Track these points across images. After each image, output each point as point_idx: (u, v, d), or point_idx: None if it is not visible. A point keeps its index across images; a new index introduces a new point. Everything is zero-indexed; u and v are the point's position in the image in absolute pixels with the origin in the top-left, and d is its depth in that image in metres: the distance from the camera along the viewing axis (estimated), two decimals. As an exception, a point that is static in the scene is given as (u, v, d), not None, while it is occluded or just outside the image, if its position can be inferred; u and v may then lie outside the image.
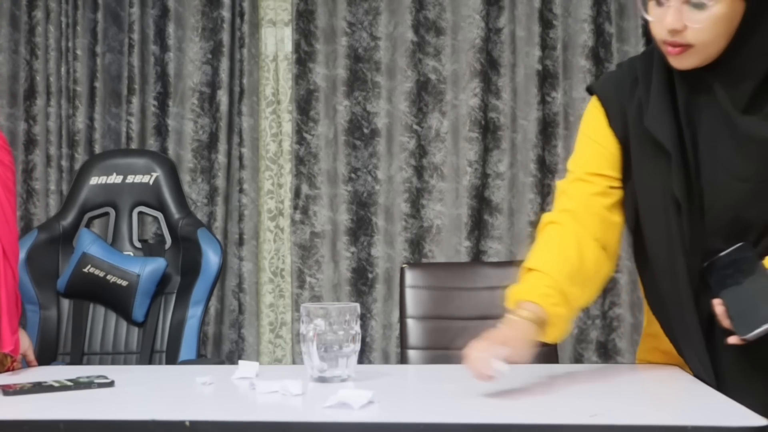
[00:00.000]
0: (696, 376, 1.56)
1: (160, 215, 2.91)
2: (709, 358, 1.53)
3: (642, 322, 2.22)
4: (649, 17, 1.52)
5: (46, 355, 2.76)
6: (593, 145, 1.67)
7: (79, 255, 2.79)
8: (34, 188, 3.54)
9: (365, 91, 3.46)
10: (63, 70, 3.52)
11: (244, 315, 3.49)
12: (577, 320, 3.35)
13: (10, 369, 1.91)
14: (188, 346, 2.72)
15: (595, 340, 3.36)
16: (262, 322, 3.59)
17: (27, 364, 2.00)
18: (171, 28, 3.51)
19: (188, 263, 2.82)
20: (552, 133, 3.37)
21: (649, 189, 1.58)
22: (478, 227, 3.39)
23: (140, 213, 2.94)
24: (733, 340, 1.47)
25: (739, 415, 1.28)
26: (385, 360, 3.42)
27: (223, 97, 3.47)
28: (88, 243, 2.81)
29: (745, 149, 1.50)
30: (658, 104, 1.55)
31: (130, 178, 2.92)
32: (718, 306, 1.50)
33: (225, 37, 3.48)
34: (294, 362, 3.48)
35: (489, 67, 3.40)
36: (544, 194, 3.34)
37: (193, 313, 2.75)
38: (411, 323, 2.71)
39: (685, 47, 1.49)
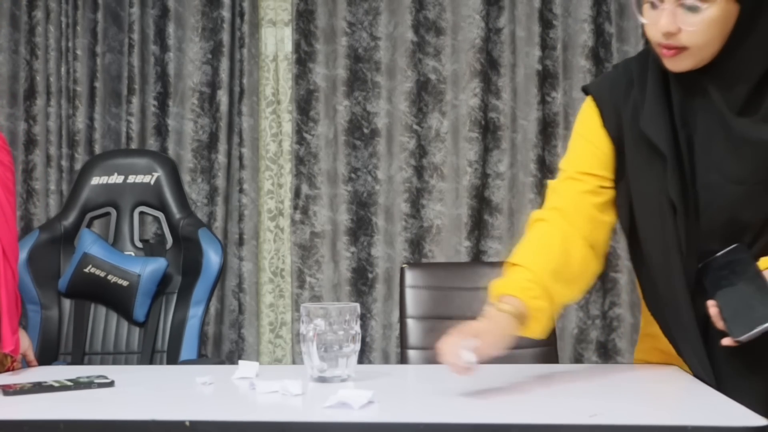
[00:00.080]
0: (695, 375, 1.56)
1: (161, 215, 2.91)
2: (707, 358, 1.53)
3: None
4: (643, 20, 1.53)
5: (47, 355, 2.76)
6: (586, 145, 1.67)
7: (80, 255, 2.79)
8: (34, 188, 3.54)
9: (365, 91, 3.46)
10: (63, 70, 3.52)
11: (244, 315, 3.49)
12: (577, 320, 3.35)
13: (10, 369, 1.91)
14: (189, 346, 2.73)
15: (595, 340, 3.36)
16: (262, 322, 3.59)
17: (27, 364, 2.00)
18: (171, 28, 3.51)
19: (189, 263, 2.83)
20: (552, 133, 3.37)
21: (644, 191, 1.59)
22: (478, 227, 3.39)
23: (141, 213, 2.94)
24: (726, 341, 1.48)
25: (739, 415, 1.28)
26: (385, 360, 3.42)
27: (223, 97, 3.47)
28: (89, 243, 2.81)
29: (739, 151, 1.51)
30: (654, 106, 1.55)
31: (131, 178, 2.92)
32: (712, 307, 1.50)
33: (225, 37, 3.48)
34: (294, 362, 3.48)
35: (489, 67, 3.40)
36: (544, 194, 3.33)
37: (194, 313, 2.76)
38: (411, 323, 2.71)
39: (680, 49, 1.49)
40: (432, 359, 2.59)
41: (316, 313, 1.62)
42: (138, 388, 1.63)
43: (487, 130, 3.41)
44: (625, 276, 3.32)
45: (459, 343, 1.45)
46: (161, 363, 2.78)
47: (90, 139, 3.51)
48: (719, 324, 1.49)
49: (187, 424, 1.29)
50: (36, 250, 2.82)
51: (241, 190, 3.50)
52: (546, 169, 3.36)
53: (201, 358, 2.84)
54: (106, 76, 3.53)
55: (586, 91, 1.70)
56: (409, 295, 2.73)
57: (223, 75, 3.47)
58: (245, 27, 3.50)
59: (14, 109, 3.58)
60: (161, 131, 3.53)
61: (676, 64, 1.52)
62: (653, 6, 1.50)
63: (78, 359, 2.81)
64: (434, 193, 3.43)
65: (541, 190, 3.33)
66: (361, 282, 3.45)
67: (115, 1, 3.55)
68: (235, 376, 1.67)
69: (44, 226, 2.92)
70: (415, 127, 3.43)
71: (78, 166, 3.45)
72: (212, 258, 2.78)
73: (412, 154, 3.42)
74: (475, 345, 1.44)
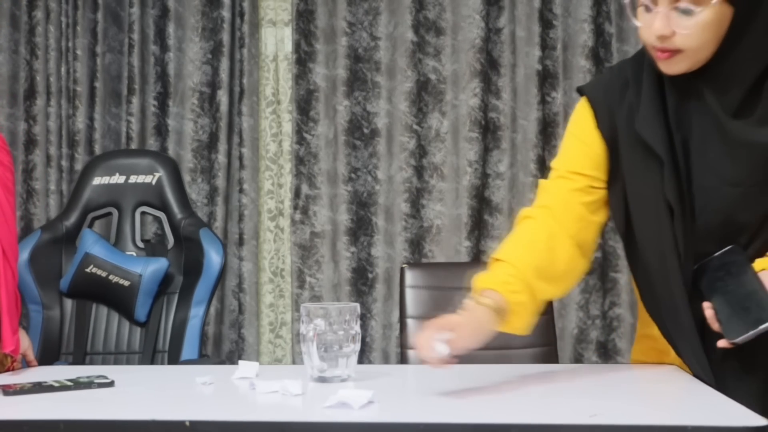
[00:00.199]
0: (695, 375, 1.56)
1: (162, 215, 2.92)
2: (706, 358, 1.53)
3: (642, 322, 2.22)
4: (637, 23, 1.53)
5: (49, 355, 2.76)
6: (579, 145, 1.67)
7: (82, 255, 2.80)
8: (34, 188, 3.54)
9: (365, 91, 3.46)
10: (63, 70, 3.52)
11: (244, 315, 3.49)
12: (577, 320, 3.35)
13: (10, 369, 1.91)
14: (190, 345, 2.73)
15: (595, 340, 3.36)
16: (262, 322, 3.59)
17: (27, 364, 2.00)
18: (171, 28, 3.51)
19: (190, 263, 2.83)
20: (552, 133, 3.37)
21: (641, 193, 1.58)
22: (478, 227, 3.39)
23: (143, 213, 2.95)
24: (722, 343, 1.48)
25: (739, 415, 1.28)
26: (385, 360, 3.42)
27: (223, 97, 3.47)
28: (91, 243, 2.82)
29: (735, 153, 1.51)
30: (649, 108, 1.55)
31: (132, 179, 2.93)
32: (707, 309, 1.51)
33: (225, 37, 3.48)
34: (294, 362, 3.48)
35: (489, 67, 3.40)
36: (544, 194, 3.34)
37: (196, 312, 2.76)
38: (411, 323, 2.71)
39: (674, 52, 1.49)
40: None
41: (316, 313, 1.62)
42: (138, 388, 1.63)
43: (487, 130, 3.41)
44: (625, 276, 3.32)
45: (433, 337, 1.44)
46: (162, 363, 2.78)
47: (90, 139, 3.51)
48: (715, 326, 1.50)
49: (187, 424, 1.29)
50: (38, 250, 2.82)
51: (241, 190, 3.50)
52: (546, 169, 3.34)
53: (202, 358, 2.84)
54: (106, 76, 3.53)
55: (580, 91, 1.70)
56: (409, 295, 2.73)
57: (223, 75, 3.47)
58: (245, 27, 3.50)
59: (14, 109, 3.58)
60: (161, 131, 3.53)
61: (670, 67, 1.52)
62: (647, 9, 1.50)
63: (79, 359, 2.81)
64: (434, 193, 3.43)
65: (541, 190, 3.33)
66: (361, 282, 3.45)
67: (115, 1, 3.55)
68: (235, 376, 1.67)
69: (46, 227, 2.92)
70: (415, 127, 3.43)
71: (78, 166, 3.46)
72: (213, 258, 2.78)
73: (412, 154, 3.42)
74: (449, 338, 1.44)
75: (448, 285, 2.74)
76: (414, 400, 1.49)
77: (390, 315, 3.40)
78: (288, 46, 3.57)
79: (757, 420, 1.24)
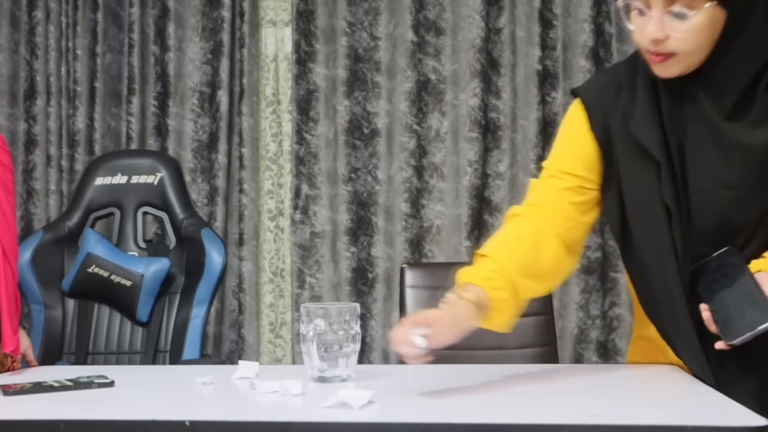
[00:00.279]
0: (695, 376, 1.56)
1: (164, 215, 2.93)
2: (706, 359, 1.53)
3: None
4: (631, 26, 1.53)
5: (50, 355, 2.77)
6: (571, 146, 1.67)
7: (84, 255, 2.81)
8: (34, 188, 3.54)
9: (365, 91, 3.46)
10: (63, 70, 3.52)
11: (244, 315, 3.49)
12: (577, 320, 3.35)
13: (10, 369, 1.91)
14: (192, 345, 2.73)
15: (595, 340, 3.36)
16: (262, 322, 3.59)
17: (27, 364, 2.00)
18: (171, 28, 3.51)
19: (192, 263, 2.84)
20: (552, 133, 3.37)
21: (637, 196, 1.58)
22: (478, 227, 3.39)
23: (145, 213, 2.95)
24: (719, 345, 1.48)
25: (739, 415, 1.28)
26: (385, 360, 3.42)
27: (223, 97, 3.48)
28: (93, 243, 2.83)
29: (730, 156, 1.51)
30: (644, 111, 1.55)
31: (134, 179, 2.94)
32: (704, 311, 1.51)
33: (225, 37, 3.48)
34: (294, 362, 3.48)
35: (489, 67, 3.40)
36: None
37: (197, 312, 2.77)
38: (411, 323, 2.70)
39: (668, 56, 1.49)
40: (432, 359, 2.60)
41: (316, 313, 1.62)
42: (138, 388, 1.63)
43: (487, 130, 3.41)
44: (625, 276, 3.31)
45: (410, 332, 1.44)
46: (164, 363, 2.79)
47: (90, 139, 3.51)
48: (712, 327, 1.50)
49: (187, 424, 1.29)
50: (40, 250, 2.83)
51: (241, 190, 3.50)
52: (546, 169, 3.36)
53: (204, 358, 2.84)
54: (106, 76, 3.53)
55: (574, 93, 1.70)
56: (409, 295, 2.73)
57: (223, 75, 3.48)
58: (245, 27, 3.50)
59: (14, 109, 3.58)
60: (161, 131, 3.53)
61: (664, 70, 1.52)
62: (641, 13, 1.50)
63: (81, 359, 2.82)
64: (434, 193, 3.43)
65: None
66: (361, 282, 3.45)
67: (115, 1, 3.55)
68: (235, 376, 1.67)
69: (48, 227, 2.93)
70: (415, 127, 3.43)
71: (78, 166, 3.46)
72: (215, 258, 2.79)
73: (412, 154, 3.42)
74: (427, 332, 1.44)
75: (448, 285, 2.74)
76: (414, 400, 1.49)
77: (390, 315, 3.40)
78: (288, 46, 3.57)
79: (757, 420, 1.24)
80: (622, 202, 1.61)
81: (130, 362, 2.83)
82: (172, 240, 2.92)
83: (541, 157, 3.35)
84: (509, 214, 1.70)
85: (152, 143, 3.51)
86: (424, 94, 3.44)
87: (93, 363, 2.83)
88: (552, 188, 1.66)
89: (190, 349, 2.73)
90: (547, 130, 3.37)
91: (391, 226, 3.45)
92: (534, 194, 1.69)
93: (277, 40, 3.63)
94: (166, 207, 2.92)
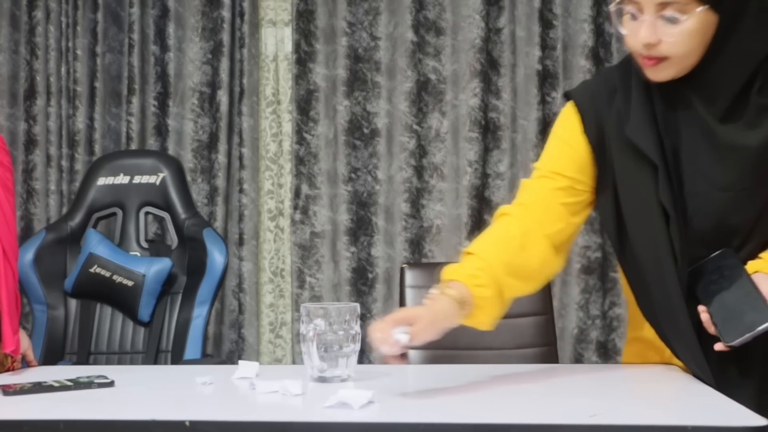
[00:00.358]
0: (695, 376, 1.56)
1: (166, 215, 2.93)
2: (706, 360, 1.53)
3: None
4: (624, 31, 1.53)
5: (53, 355, 2.78)
6: (564, 147, 1.67)
7: (86, 255, 2.82)
8: (34, 188, 3.54)
9: (365, 91, 3.46)
10: (63, 70, 3.52)
11: (244, 315, 3.49)
12: (577, 320, 3.35)
13: (10, 369, 1.91)
14: (193, 345, 2.74)
15: (595, 340, 3.36)
16: (262, 322, 3.59)
17: (27, 364, 2.00)
18: (171, 28, 3.51)
19: (194, 263, 2.84)
20: (552, 133, 3.37)
21: (634, 199, 1.58)
22: (478, 227, 3.39)
23: (147, 213, 2.96)
24: (719, 347, 1.48)
25: (739, 415, 1.28)
26: (385, 360, 3.41)
27: (223, 97, 3.48)
28: (95, 243, 2.83)
29: (725, 158, 1.51)
30: (640, 114, 1.56)
31: (137, 179, 2.95)
32: (703, 313, 1.51)
33: (225, 37, 3.48)
34: (294, 362, 3.48)
35: (489, 67, 3.40)
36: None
37: (199, 312, 2.77)
38: (411, 323, 2.70)
39: (661, 59, 1.49)
40: (432, 359, 2.60)
41: (316, 313, 1.62)
42: (138, 388, 1.63)
43: (487, 130, 3.41)
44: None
45: (391, 330, 1.44)
46: (166, 363, 2.79)
47: (90, 139, 3.51)
48: (711, 329, 1.50)
49: (187, 424, 1.29)
50: (43, 250, 2.84)
51: (241, 190, 3.50)
52: (546, 169, 3.36)
53: (206, 358, 2.84)
54: (106, 76, 3.53)
55: (567, 96, 1.70)
56: (409, 295, 2.73)
57: (223, 75, 3.48)
58: (245, 27, 3.50)
59: (14, 109, 3.58)
60: (161, 131, 3.53)
61: (657, 74, 1.52)
62: (633, 17, 1.50)
63: (83, 359, 2.83)
64: (434, 193, 3.43)
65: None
66: (361, 282, 3.45)
67: (115, 1, 3.55)
68: (235, 376, 1.67)
69: (51, 227, 2.95)
70: (415, 127, 3.43)
71: (78, 166, 3.46)
72: (217, 258, 2.79)
73: (412, 154, 3.42)
74: (407, 329, 1.44)
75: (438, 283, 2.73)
76: (414, 400, 1.49)
77: (390, 315, 3.40)
78: (288, 46, 3.57)
79: (757, 420, 1.24)
80: (618, 206, 1.61)
81: (132, 362, 2.84)
82: (174, 240, 2.92)
83: (541, 157, 3.35)
84: (498, 213, 1.70)
85: (152, 143, 3.51)
86: (424, 94, 3.44)
87: (95, 363, 2.83)
88: (543, 188, 1.66)
89: (192, 349, 2.73)
90: (547, 130, 3.37)
91: (391, 226, 3.45)
92: (524, 194, 1.69)
93: (277, 40, 3.63)
94: (168, 207, 2.93)
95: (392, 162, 3.45)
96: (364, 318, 3.40)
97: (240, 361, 1.71)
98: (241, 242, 3.49)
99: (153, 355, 2.80)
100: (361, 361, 1.69)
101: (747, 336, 1.45)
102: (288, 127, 3.59)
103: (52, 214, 3.47)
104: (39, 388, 1.58)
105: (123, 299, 2.82)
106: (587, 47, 3.34)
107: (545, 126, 3.37)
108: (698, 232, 1.55)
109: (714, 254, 1.54)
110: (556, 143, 1.70)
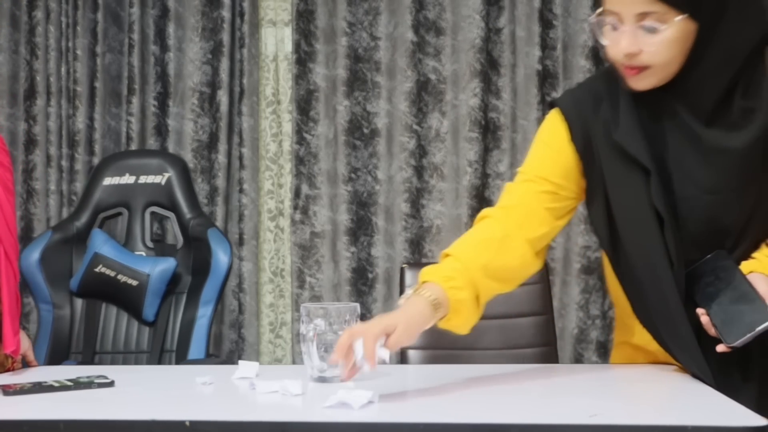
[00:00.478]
0: (695, 376, 1.56)
1: (172, 215, 2.94)
2: (706, 361, 1.53)
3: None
4: (605, 41, 1.53)
5: (58, 354, 2.79)
6: (549, 153, 1.67)
7: (91, 255, 2.83)
8: (34, 188, 3.54)
9: (365, 91, 3.46)
10: (63, 70, 3.52)
11: (244, 315, 3.49)
12: (577, 320, 3.35)
13: (10, 369, 1.91)
14: (198, 345, 2.75)
15: (595, 340, 3.36)
16: (262, 322, 3.59)
17: (27, 365, 2.00)
18: (171, 28, 3.51)
19: (198, 263, 2.85)
20: (552, 133, 3.37)
21: (627, 205, 1.58)
22: (478, 227, 3.39)
23: (152, 213, 2.97)
24: (721, 348, 1.49)
25: (739, 415, 1.28)
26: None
27: (223, 97, 3.48)
28: (100, 243, 2.84)
29: (711, 161, 1.52)
30: (629, 122, 1.56)
31: (142, 179, 2.96)
32: (702, 316, 1.52)
33: (225, 37, 3.48)
34: (294, 362, 3.48)
35: (489, 67, 3.40)
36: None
37: (203, 312, 2.78)
38: (411, 323, 2.70)
39: (642, 69, 1.50)
40: (432, 359, 2.60)
41: (316, 313, 1.62)
42: (138, 388, 1.63)
43: (487, 130, 3.41)
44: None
45: (376, 345, 1.43)
46: (170, 362, 2.81)
47: (90, 139, 3.51)
48: (711, 331, 1.51)
49: (187, 424, 1.29)
50: (48, 250, 2.85)
51: (241, 190, 3.50)
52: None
53: (209, 358, 2.85)
54: (106, 76, 3.53)
55: (552, 104, 1.70)
56: (409, 295, 2.72)
57: (223, 75, 3.48)
58: (245, 27, 3.50)
59: (14, 109, 3.58)
60: (161, 131, 3.53)
61: (639, 83, 1.53)
62: (614, 28, 1.51)
63: (88, 358, 2.84)
64: (434, 193, 3.43)
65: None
66: (361, 282, 3.45)
67: (115, 1, 3.55)
68: (235, 376, 1.67)
69: (57, 227, 2.97)
70: (415, 127, 3.43)
71: (78, 166, 3.46)
72: (221, 258, 2.80)
73: (412, 154, 3.42)
74: (382, 342, 1.43)
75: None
76: (414, 400, 1.49)
77: (390, 315, 3.40)
78: (288, 46, 3.57)
79: (757, 420, 1.24)
80: (610, 213, 1.61)
81: (136, 362, 2.85)
82: (179, 240, 2.93)
83: (541, 157, 3.35)
84: (479, 216, 1.70)
85: (152, 143, 3.51)
86: (424, 94, 3.44)
87: (100, 362, 2.84)
88: (527, 191, 1.66)
89: (196, 348, 2.74)
90: (547, 130, 3.37)
91: (391, 226, 3.45)
92: (507, 197, 1.69)
93: (277, 40, 3.63)
94: (173, 207, 2.94)
95: (392, 162, 3.45)
96: (364, 318, 3.38)
97: (240, 361, 1.71)
98: (241, 242, 3.49)
99: (157, 355, 2.81)
100: (360, 361, 1.69)
101: (748, 336, 1.45)
102: (288, 127, 3.59)
103: (52, 214, 3.47)
104: (39, 388, 1.58)
105: (128, 299, 2.83)
106: (587, 47, 3.34)
107: (545, 126, 3.36)
108: (691, 235, 1.55)
109: (708, 257, 1.55)
110: (541, 148, 1.69)
